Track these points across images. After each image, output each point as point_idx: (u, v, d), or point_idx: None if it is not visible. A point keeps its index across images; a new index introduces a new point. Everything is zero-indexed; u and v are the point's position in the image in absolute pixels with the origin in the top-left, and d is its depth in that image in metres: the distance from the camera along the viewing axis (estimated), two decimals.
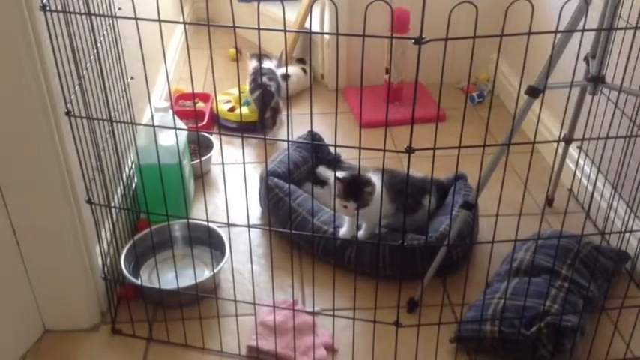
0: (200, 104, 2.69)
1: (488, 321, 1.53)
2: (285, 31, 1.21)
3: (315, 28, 3.04)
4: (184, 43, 3.36)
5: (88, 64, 1.54)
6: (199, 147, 2.36)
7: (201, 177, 2.27)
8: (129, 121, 1.87)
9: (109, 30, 1.66)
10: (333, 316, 1.51)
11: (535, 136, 1.23)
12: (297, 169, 2.12)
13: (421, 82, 2.91)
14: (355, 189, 1.68)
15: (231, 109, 2.63)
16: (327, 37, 2.92)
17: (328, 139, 2.24)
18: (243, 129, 2.52)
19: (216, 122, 2.65)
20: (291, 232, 1.67)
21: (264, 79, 2.56)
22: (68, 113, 1.40)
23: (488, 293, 1.61)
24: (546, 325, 1.48)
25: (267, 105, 2.50)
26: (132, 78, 1.90)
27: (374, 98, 2.82)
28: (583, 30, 1.13)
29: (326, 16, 2.95)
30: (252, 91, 2.58)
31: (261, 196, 2.08)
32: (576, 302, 1.59)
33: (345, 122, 2.70)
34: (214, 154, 2.37)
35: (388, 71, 2.74)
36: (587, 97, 1.64)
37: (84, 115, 1.46)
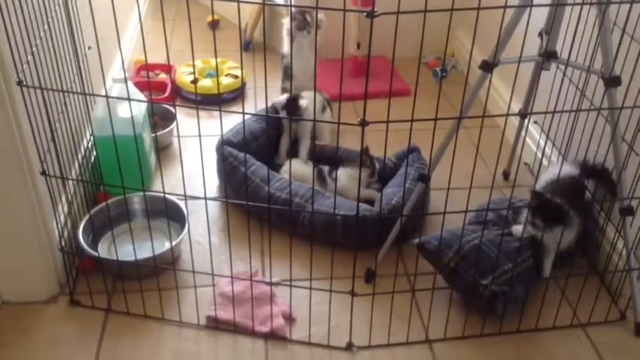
0: (162, 76, 2.66)
1: (451, 250, 1.60)
2: (239, 1, 1.21)
3: None
4: (148, 13, 3.31)
5: (42, 34, 1.51)
6: (158, 118, 2.34)
7: (157, 149, 2.25)
8: (86, 92, 1.85)
9: None
10: (290, 286, 1.53)
11: (484, 110, 1.26)
12: (256, 140, 2.13)
13: (386, 57, 2.91)
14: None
15: (194, 82, 2.61)
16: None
17: None
18: (199, 101, 2.51)
19: (179, 94, 2.63)
20: (247, 204, 1.68)
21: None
22: (20, 83, 1.37)
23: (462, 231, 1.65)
24: (489, 290, 1.56)
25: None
26: (89, 48, 1.87)
27: (339, 72, 2.82)
28: (531, 5, 1.15)
29: None
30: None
31: (218, 166, 2.08)
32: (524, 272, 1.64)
33: None
34: (176, 127, 2.36)
35: (359, 46, 2.74)
36: (550, 73, 1.68)
37: (37, 85, 1.43)
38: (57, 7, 1.59)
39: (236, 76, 2.68)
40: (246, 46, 3.01)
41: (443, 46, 2.94)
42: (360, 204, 1.84)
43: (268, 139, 2.17)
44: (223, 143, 2.01)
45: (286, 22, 2.39)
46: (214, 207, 2.02)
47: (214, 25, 3.11)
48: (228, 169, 1.97)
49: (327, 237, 1.81)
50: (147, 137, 2.06)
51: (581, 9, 1.61)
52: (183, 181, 1.44)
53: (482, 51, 1.61)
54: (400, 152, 2.07)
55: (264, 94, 2.72)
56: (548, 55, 1.53)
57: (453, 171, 1.42)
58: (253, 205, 1.87)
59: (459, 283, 1.62)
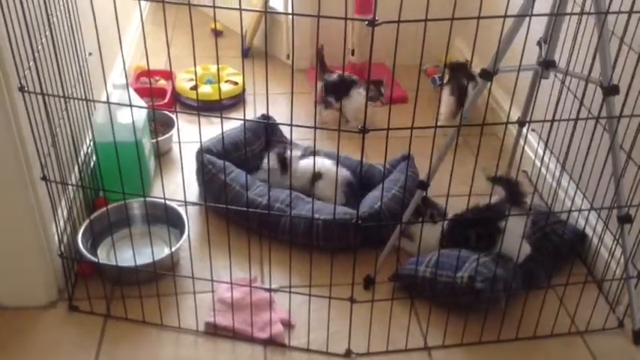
0: (162, 82, 2.67)
1: (423, 264, 1.69)
2: (241, 9, 1.22)
3: (280, 7, 3.03)
4: (148, 19, 3.31)
5: (43, 39, 1.51)
6: (157, 125, 2.34)
7: (158, 155, 2.25)
8: (87, 98, 1.85)
9: (64, 4, 1.64)
10: (290, 292, 1.53)
11: (484, 118, 1.27)
12: (238, 150, 2.09)
13: (385, 64, 2.93)
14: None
15: (194, 88, 2.62)
16: (290, 16, 2.91)
17: (289, 119, 2.24)
18: (201, 107, 2.52)
19: (178, 100, 2.63)
20: (247, 210, 1.68)
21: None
22: (22, 89, 1.38)
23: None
24: (468, 276, 1.59)
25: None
26: (90, 54, 1.88)
27: None
28: (531, 15, 1.16)
29: None
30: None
31: (197, 174, 2.07)
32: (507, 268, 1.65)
33: (308, 102, 2.71)
34: (175, 133, 2.36)
35: (353, 52, 2.76)
36: (549, 81, 1.68)
37: (38, 91, 1.44)
38: (58, 14, 1.59)
39: (235, 83, 2.69)
40: (246, 53, 3.02)
41: (440, 54, 2.95)
42: (341, 207, 1.87)
43: (252, 152, 2.15)
44: (203, 151, 2.01)
45: (362, 91, 2.45)
46: (214, 213, 2.02)
47: (217, 33, 3.12)
48: (207, 177, 1.97)
49: (306, 241, 1.83)
50: (146, 143, 2.06)
51: (580, 18, 1.63)
52: (184, 188, 1.44)
53: (481, 59, 1.62)
54: (394, 160, 2.08)
55: (264, 101, 2.73)
56: (547, 64, 1.54)
57: (452, 178, 1.42)
58: (233, 211, 1.88)
59: (440, 289, 1.64)
